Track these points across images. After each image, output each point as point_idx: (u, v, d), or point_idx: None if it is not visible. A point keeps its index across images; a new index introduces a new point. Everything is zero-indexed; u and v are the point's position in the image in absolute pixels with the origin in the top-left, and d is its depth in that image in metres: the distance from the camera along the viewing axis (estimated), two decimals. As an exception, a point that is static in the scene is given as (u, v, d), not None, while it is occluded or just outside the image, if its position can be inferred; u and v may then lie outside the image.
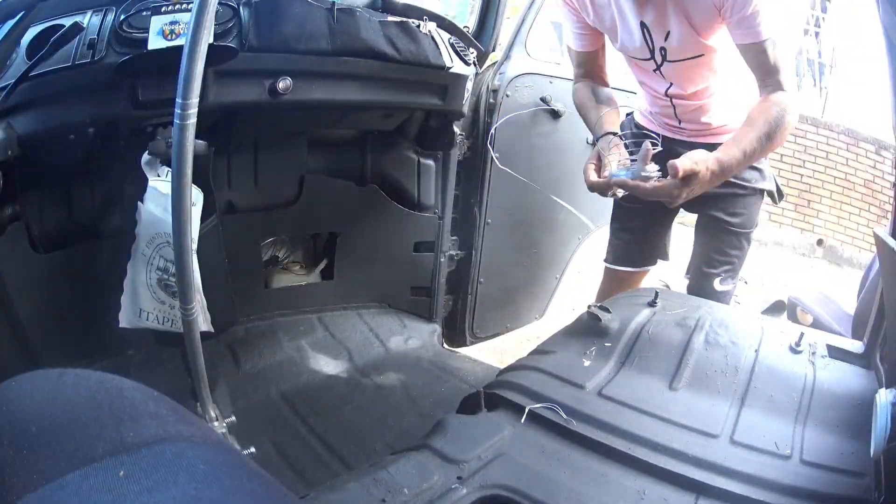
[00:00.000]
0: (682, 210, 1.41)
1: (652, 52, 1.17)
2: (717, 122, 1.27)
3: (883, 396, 0.67)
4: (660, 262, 1.49)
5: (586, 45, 1.27)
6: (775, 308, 2.34)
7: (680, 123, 1.29)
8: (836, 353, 1.00)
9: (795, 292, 2.27)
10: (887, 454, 0.66)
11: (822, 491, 0.71)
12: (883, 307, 0.95)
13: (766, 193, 1.36)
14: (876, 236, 0.87)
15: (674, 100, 1.25)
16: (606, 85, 1.31)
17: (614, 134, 1.18)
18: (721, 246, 1.35)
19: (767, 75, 1.06)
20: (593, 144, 1.21)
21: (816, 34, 4.68)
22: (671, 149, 1.28)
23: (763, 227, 4.65)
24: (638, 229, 1.43)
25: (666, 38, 1.14)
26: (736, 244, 1.36)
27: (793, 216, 4.56)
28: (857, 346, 1.03)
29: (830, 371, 0.94)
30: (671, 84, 1.22)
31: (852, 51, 4.27)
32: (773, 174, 1.39)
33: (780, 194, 1.42)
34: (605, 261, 1.48)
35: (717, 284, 1.33)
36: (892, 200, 1.68)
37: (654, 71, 1.20)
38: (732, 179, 1.27)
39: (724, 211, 1.32)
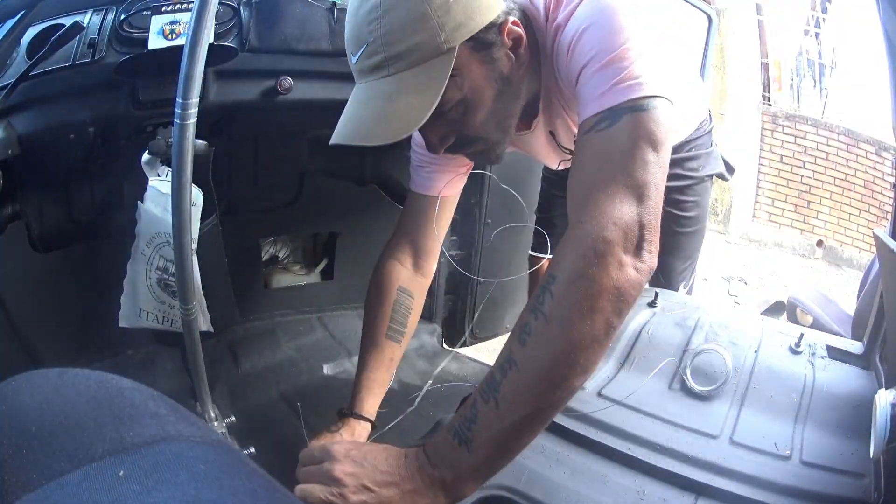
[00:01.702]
0: None
1: (570, 153, 0.98)
2: None
3: (883, 397, 0.67)
4: None
5: (436, 185, 0.96)
6: (775, 309, 2.35)
7: None
8: (835, 353, 1.00)
9: (795, 293, 2.28)
10: (887, 455, 0.66)
11: (821, 491, 0.71)
12: (882, 308, 0.95)
13: (715, 177, 1.29)
14: (876, 237, 0.87)
15: None
16: (426, 279, 1.01)
17: (369, 423, 0.91)
18: (679, 251, 1.32)
19: (574, 196, 0.65)
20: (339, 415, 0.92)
21: (816, 35, 4.68)
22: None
23: (763, 228, 4.66)
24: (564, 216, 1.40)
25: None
26: (694, 244, 1.34)
27: (792, 217, 4.56)
28: (856, 347, 1.03)
29: (830, 372, 0.94)
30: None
31: (852, 51, 4.27)
32: (719, 152, 1.28)
33: (731, 169, 1.32)
34: (532, 251, 1.46)
35: (681, 288, 1.33)
36: (891, 201, 1.68)
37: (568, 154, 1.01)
38: (679, 171, 1.20)
39: (674, 205, 1.26)
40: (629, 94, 0.64)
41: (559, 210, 1.42)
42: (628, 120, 0.63)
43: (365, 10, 0.70)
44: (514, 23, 0.74)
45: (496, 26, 0.73)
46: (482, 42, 0.72)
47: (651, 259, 0.61)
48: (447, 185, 0.96)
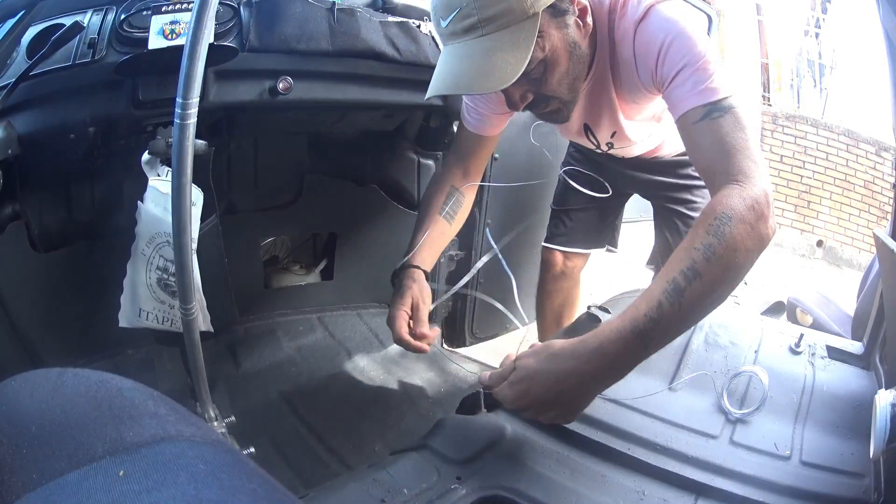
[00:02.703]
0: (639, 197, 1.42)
1: (597, 145, 1.15)
2: (669, 156, 1.26)
3: (882, 397, 0.67)
4: (619, 255, 1.50)
5: (484, 127, 1.09)
6: (775, 309, 2.35)
7: (620, 157, 1.26)
8: (835, 353, 1.00)
9: (795, 293, 2.27)
10: (887, 455, 0.66)
11: (821, 492, 0.71)
12: (882, 308, 0.95)
13: None
14: (876, 237, 0.87)
15: (614, 157, 1.24)
16: (472, 191, 1.15)
17: (423, 272, 1.02)
18: None
19: (717, 163, 0.76)
20: (394, 277, 1.04)
21: (817, 35, 4.68)
22: (615, 158, 1.27)
23: (763, 228, 4.66)
24: (588, 211, 1.43)
25: (612, 136, 1.10)
26: None
27: (793, 217, 4.56)
28: (856, 347, 1.04)
29: (830, 372, 0.94)
30: (612, 152, 1.19)
31: (852, 51, 4.27)
32: None
33: None
34: (545, 243, 1.48)
35: None
36: (892, 201, 1.68)
37: (595, 148, 1.17)
38: (691, 171, 1.27)
39: (683, 205, 1.31)
40: (728, 91, 0.78)
41: (574, 204, 1.44)
42: (735, 112, 0.77)
43: None
44: (584, 4, 0.87)
45: None
46: (559, 9, 0.83)
47: (774, 221, 0.74)
48: (493, 127, 1.10)
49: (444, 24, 0.82)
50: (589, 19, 0.88)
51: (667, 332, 0.69)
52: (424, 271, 1.04)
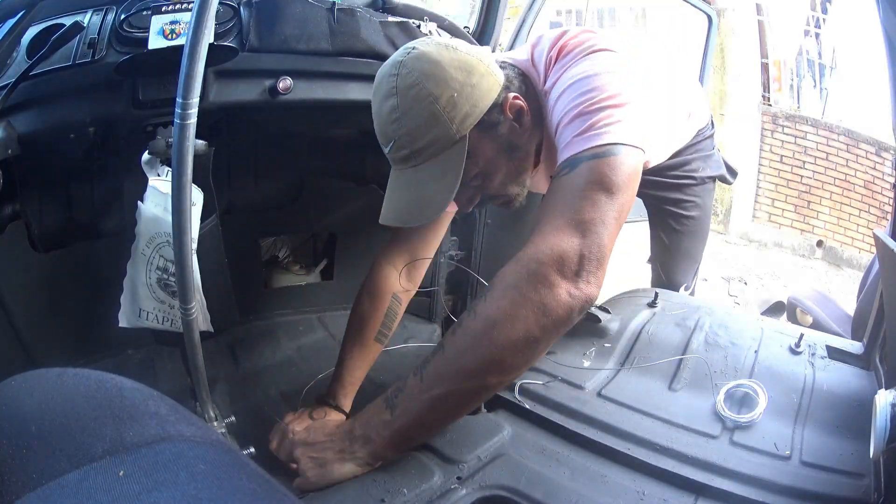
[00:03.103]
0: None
1: None
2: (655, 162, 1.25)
3: (882, 397, 0.67)
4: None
5: None
6: (775, 309, 2.35)
7: None
8: (835, 353, 1.00)
9: (795, 293, 2.27)
10: (887, 455, 0.66)
11: (821, 492, 0.71)
12: (882, 308, 0.95)
13: (717, 178, 1.35)
14: (876, 237, 0.87)
15: None
16: (414, 287, 1.10)
17: (344, 415, 1.00)
18: (680, 250, 1.35)
19: (535, 222, 0.74)
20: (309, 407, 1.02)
21: (817, 35, 4.68)
22: None
23: (763, 228, 4.66)
24: None
25: None
26: (695, 245, 1.37)
27: (792, 217, 4.56)
28: (856, 347, 1.03)
29: (830, 372, 0.94)
30: None
31: (852, 51, 4.27)
32: (721, 156, 1.35)
33: (734, 172, 1.39)
34: None
35: (682, 289, 1.34)
36: (891, 201, 1.68)
37: None
38: (679, 172, 1.27)
39: (675, 204, 1.31)
40: (590, 142, 0.72)
41: None
42: (585, 166, 0.71)
43: (386, 110, 0.82)
44: (514, 97, 0.86)
45: (498, 105, 0.84)
46: (488, 123, 0.84)
47: (589, 288, 0.66)
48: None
49: (386, 150, 0.86)
50: (527, 117, 0.87)
51: (411, 400, 0.69)
52: (346, 415, 1.03)
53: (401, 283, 1.08)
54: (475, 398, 0.70)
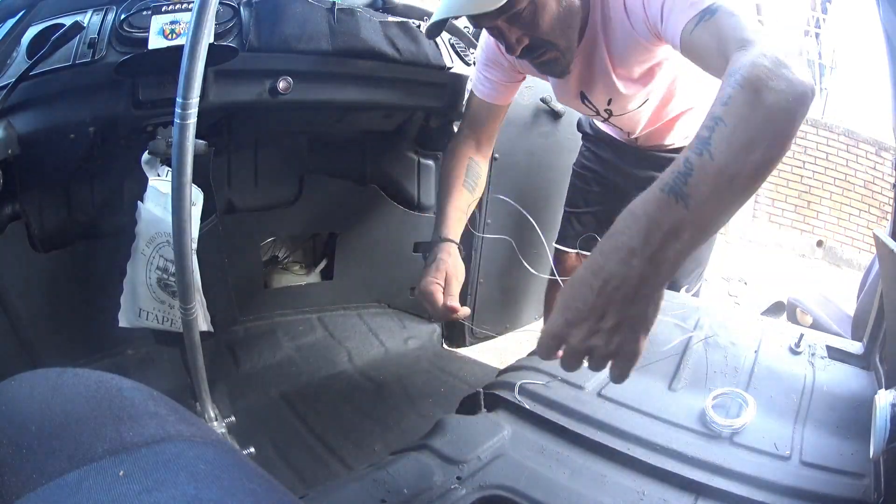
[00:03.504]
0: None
1: (596, 112, 1.16)
2: (676, 143, 1.25)
3: (882, 397, 0.67)
4: None
5: (495, 95, 1.13)
6: (775, 309, 2.34)
7: (636, 140, 1.27)
8: (835, 354, 1.00)
9: (795, 293, 2.27)
10: (887, 455, 0.66)
11: (821, 492, 0.70)
12: (882, 308, 0.95)
13: None
14: (876, 237, 0.87)
15: (629, 135, 1.24)
16: (486, 161, 1.17)
17: (456, 244, 1.04)
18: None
19: (722, 56, 0.71)
20: (425, 253, 1.07)
21: (817, 35, 4.68)
22: (623, 150, 1.30)
23: (763, 228, 4.66)
24: (597, 214, 1.43)
25: (609, 102, 1.11)
26: (703, 250, 1.36)
27: (793, 217, 4.56)
28: (856, 348, 1.03)
29: (830, 372, 0.94)
30: (620, 127, 1.21)
31: (852, 51, 4.27)
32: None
33: None
34: (557, 243, 1.48)
35: (683, 290, 1.33)
36: (891, 202, 1.68)
37: (595, 115, 1.18)
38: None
39: None
40: (706, 1, 0.75)
41: (586, 207, 1.44)
42: (722, 10, 0.73)
43: None
44: None
45: None
46: None
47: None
48: (503, 95, 1.14)
49: None
50: None
51: (704, 183, 0.56)
52: (458, 245, 1.05)
53: (474, 153, 1.15)
54: (769, 167, 0.60)
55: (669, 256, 0.57)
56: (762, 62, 0.61)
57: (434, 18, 0.89)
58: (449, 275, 0.98)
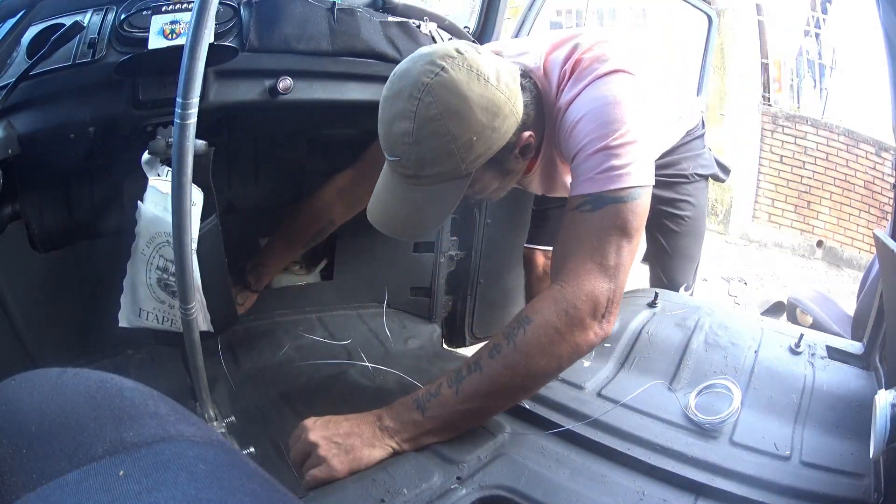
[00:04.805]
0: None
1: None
2: None
3: (882, 398, 0.67)
4: None
5: None
6: (775, 309, 2.35)
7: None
8: (835, 354, 1.00)
9: (795, 293, 2.27)
10: (887, 455, 0.66)
11: (821, 492, 0.71)
12: (882, 308, 0.95)
13: (709, 177, 1.37)
14: (876, 237, 0.87)
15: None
16: (366, 195, 1.03)
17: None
18: (679, 250, 1.36)
19: (560, 260, 0.80)
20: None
21: (817, 35, 4.68)
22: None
23: (763, 228, 4.66)
24: (563, 208, 1.43)
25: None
26: (693, 244, 1.37)
27: (792, 217, 4.56)
28: (856, 348, 1.04)
29: (830, 372, 0.94)
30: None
31: (852, 51, 4.27)
32: (712, 155, 1.37)
33: (726, 170, 1.41)
34: (527, 243, 1.52)
35: (682, 290, 1.34)
36: (892, 202, 1.68)
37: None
38: (671, 171, 1.29)
39: (669, 204, 1.32)
40: (615, 183, 0.77)
41: (552, 203, 1.45)
42: (611, 209, 0.76)
43: (398, 130, 0.79)
44: (528, 136, 0.85)
45: (511, 145, 0.84)
46: (495, 160, 0.84)
47: (609, 326, 0.77)
48: None
49: (388, 158, 0.85)
50: (531, 144, 0.87)
51: (443, 408, 0.75)
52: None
53: (337, 211, 1.18)
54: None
55: (394, 436, 0.77)
56: (553, 323, 0.72)
57: (375, 224, 0.89)
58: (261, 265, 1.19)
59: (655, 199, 1.32)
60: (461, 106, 0.77)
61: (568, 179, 0.97)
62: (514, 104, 0.82)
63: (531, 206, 1.60)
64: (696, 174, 1.30)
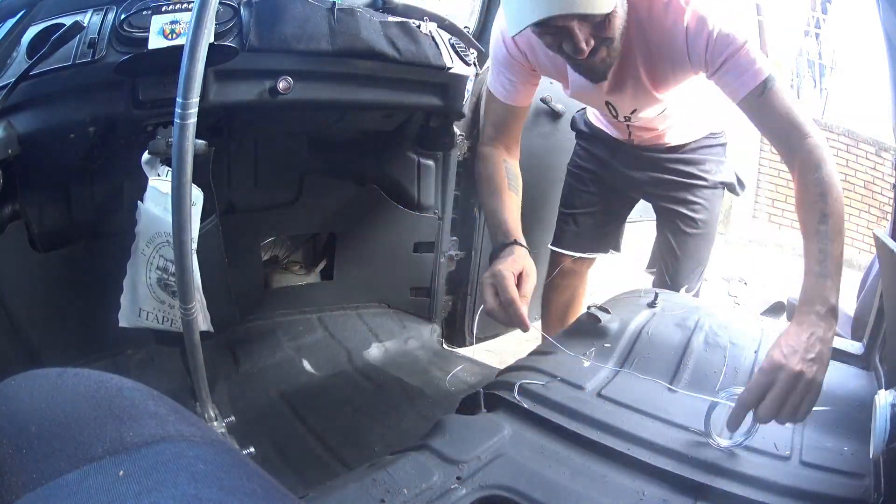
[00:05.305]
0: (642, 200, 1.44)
1: (615, 115, 1.18)
2: (672, 142, 1.29)
3: (882, 398, 0.67)
4: (614, 253, 1.51)
5: (516, 97, 1.12)
6: (775, 309, 2.34)
7: (632, 140, 1.30)
8: (835, 354, 0.99)
9: (795, 293, 2.27)
10: (886, 455, 0.66)
11: (821, 492, 0.70)
12: (882, 308, 0.95)
13: (726, 186, 1.38)
14: (875, 238, 0.87)
15: (632, 132, 1.26)
16: (517, 162, 1.17)
17: (524, 248, 1.03)
18: (687, 253, 1.36)
19: (785, 126, 0.93)
20: (492, 256, 1.03)
21: (817, 35, 4.68)
22: (619, 149, 1.33)
23: (763, 228, 4.66)
24: (594, 215, 1.44)
25: (633, 111, 1.14)
26: (701, 248, 1.37)
27: (793, 217, 4.55)
28: (856, 348, 1.03)
29: (830, 372, 0.94)
30: (631, 129, 1.24)
31: (852, 52, 4.27)
32: (732, 167, 1.39)
33: (742, 185, 1.43)
34: (553, 245, 1.48)
35: (683, 290, 1.34)
36: (891, 201, 1.68)
37: (614, 117, 1.19)
38: (692, 170, 1.31)
39: (684, 205, 1.33)
40: (765, 71, 0.92)
41: (582, 207, 1.44)
42: (778, 87, 0.93)
43: None
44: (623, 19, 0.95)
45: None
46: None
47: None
48: (523, 97, 1.14)
49: None
50: (616, 34, 0.94)
51: (837, 261, 0.84)
52: (526, 247, 1.04)
53: (505, 155, 1.15)
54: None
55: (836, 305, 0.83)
56: (826, 173, 0.88)
57: (539, 17, 0.85)
58: (525, 271, 0.96)
59: (671, 200, 1.33)
60: None
61: (646, 89, 1.06)
62: None
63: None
64: (715, 181, 1.33)
